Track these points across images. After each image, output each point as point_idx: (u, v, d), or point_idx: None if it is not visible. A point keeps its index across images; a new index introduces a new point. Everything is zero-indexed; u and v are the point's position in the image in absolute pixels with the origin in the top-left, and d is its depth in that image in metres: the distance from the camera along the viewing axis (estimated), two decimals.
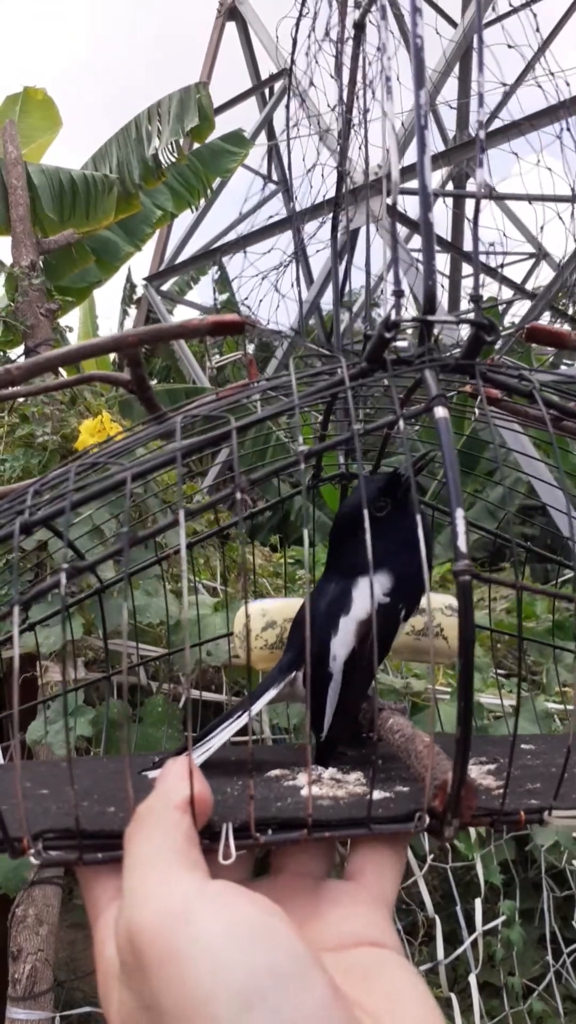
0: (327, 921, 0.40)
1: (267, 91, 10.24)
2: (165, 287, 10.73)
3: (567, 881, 2.59)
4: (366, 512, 0.43)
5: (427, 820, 0.41)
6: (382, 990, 0.36)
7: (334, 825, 0.42)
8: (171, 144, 5.33)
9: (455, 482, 0.39)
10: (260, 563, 3.33)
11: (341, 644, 0.55)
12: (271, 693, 0.56)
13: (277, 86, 9.94)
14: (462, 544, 0.38)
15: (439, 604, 0.69)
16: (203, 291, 12.29)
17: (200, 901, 0.33)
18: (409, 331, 0.51)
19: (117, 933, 0.35)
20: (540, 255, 9.11)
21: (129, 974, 0.33)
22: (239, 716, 0.53)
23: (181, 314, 11.50)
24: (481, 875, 2.25)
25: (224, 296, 11.75)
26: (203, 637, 1.56)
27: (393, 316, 0.49)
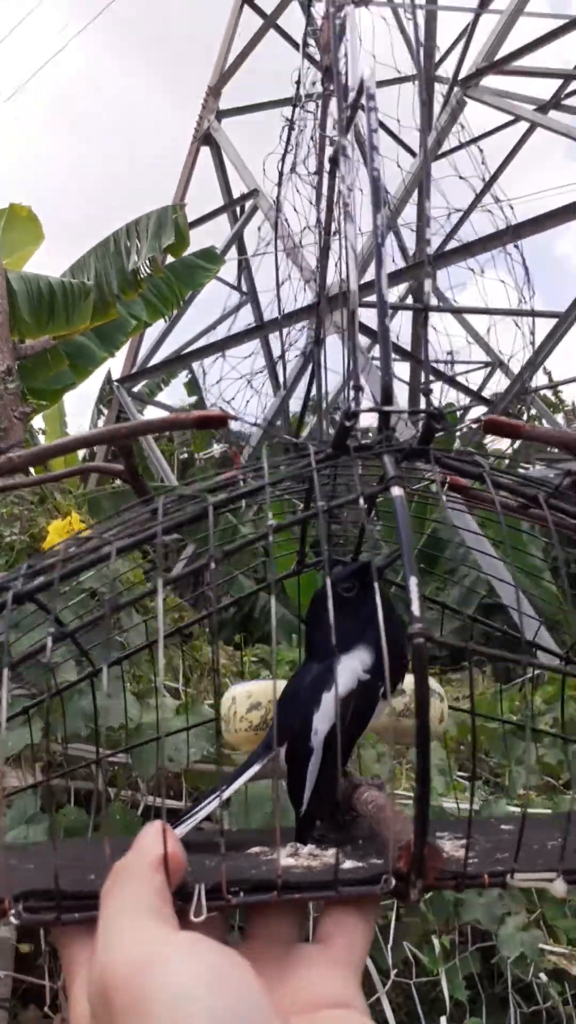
0: (297, 983, 0.42)
1: (238, 209, 10.84)
2: (136, 388, 10.99)
3: (534, 995, 2.51)
4: (330, 592, 0.47)
5: (393, 882, 0.43)
6: None
7: (303, 887, 0.44)
8: (147, 260, 5.61)
9: (409, 552, 0.44)
10: (224, 662, 3.32)
11: (322, 719, 0.55)
12: (254, 769, 0.57)
13: (248, 205, 10.54)
14: (416, 609, 0.41)
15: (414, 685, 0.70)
16: (172, 393, 12.52)
17: (168, 949, 0.35)
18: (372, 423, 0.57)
19: (89, 982, 0.37)
20: (495, 364, 9.55)
21: (99, 1021, 0.35)
22: (222, 791, 0.54)
23: (150, 414, 11.71)
24: (446, 990, 2.19)
25: (193, 398, 12.03)
26: (165, 741, 1.54)
27: (353, 407, 0.55)
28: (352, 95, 0.69)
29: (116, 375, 10.66)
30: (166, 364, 10.97)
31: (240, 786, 0.57)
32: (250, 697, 0.71)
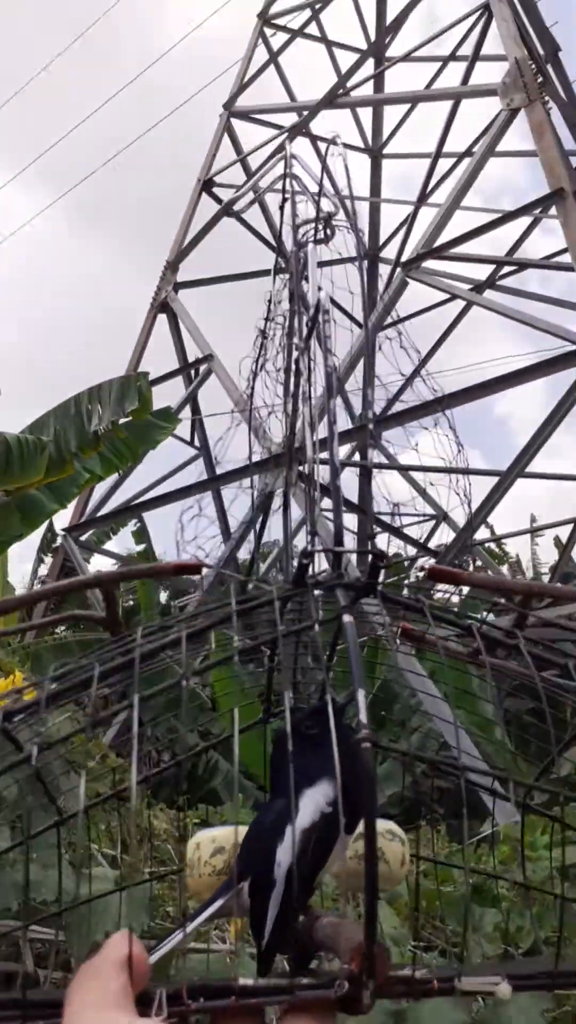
0: None
1: (192, 372, 11.39)
2: (83, 537, 11.03)
3: None
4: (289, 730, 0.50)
5: (346, 986, 0.44)
6: None
7: (260, 992, 0.45)
8: (109, 423, 5.82)
9: (358, 670, 0.49)
10: (164, 827, 3.14)
11: (286, 852, 0.56)
12: (217, 903, 0.57)
13: (202, 368, 11.09)
14: (363, 718, 0.46)
15: (379, 829, 0.69)
16: (119, 542, 12.60)
17: None
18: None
19: None
20: (439, 517, 9.87)
21: None
22: (187, 925, 0.54)
23: (96, 563, 11.68)
24: None
25: (141, 546, 12.10)
26: (101, 917, 1.45)
27: (309, 548, 0.62)
28: (312, 311, 0.84)
29: (62, 523, 10.72)
30: (117, 514, 11.09)
31: (204, 919, 0.57)
32: (214, 842, 0.70)
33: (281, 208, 1.01)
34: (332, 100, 11.54)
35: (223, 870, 0.68)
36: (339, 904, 0.53)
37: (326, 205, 0.98)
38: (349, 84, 12.23)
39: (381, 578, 0.63)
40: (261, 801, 0.66)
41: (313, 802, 0.58)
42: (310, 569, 0.65)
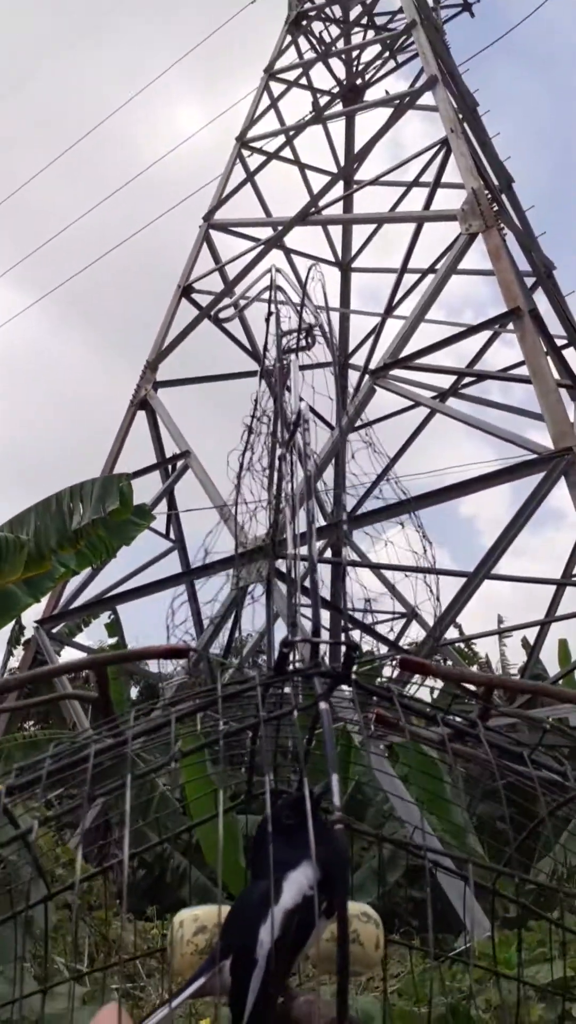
0: None
1: (169, 467, 11.60)
2: (55, 629, 10.93)
3: None
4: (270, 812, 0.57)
5: None
6: None
7: None
8: (90, 521, 5.89)
9: (333, 755, 0.55)
10: (131, 939, 3.09)
11: (268, 931, 0.58)
12: (199, 981, 0.59)
13: (180, 464, 11.31)
14: (336, 800, 0.51)
15: (354, 911, 0.70)
16: (91, 634, 12.43)
17: None
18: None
19: None
20: (410, 615, 9.97)
21: None
22: (171, 1001, 0.57)
23: (68, 655, 11.51)
24: None
25: (114, 639, 11.97)
26: None
27: (289, 638, 0.69)
28: (293, 419, 0.96)
29: (31, 615, 10.61)
30: (90, 606, 11.03)
31: (186, 998, 0.59)
32: (196, 921, 0.71)
33: (267, 320, 1.15)
34: (304, 217, 12.26)
35: (205, 949, 0.68)
36: (314, 984, 0.57)
37: (307, 318, 1.10)
38: (320, 203, 13.02)
39: (354, 669, 0.69)
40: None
41: (296, 884, 0.60)
42: (290, 658, 0.71)
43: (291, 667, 0.71)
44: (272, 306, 1.08)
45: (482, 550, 8.11)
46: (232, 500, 0.99)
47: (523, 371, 8.70)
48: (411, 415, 12.33)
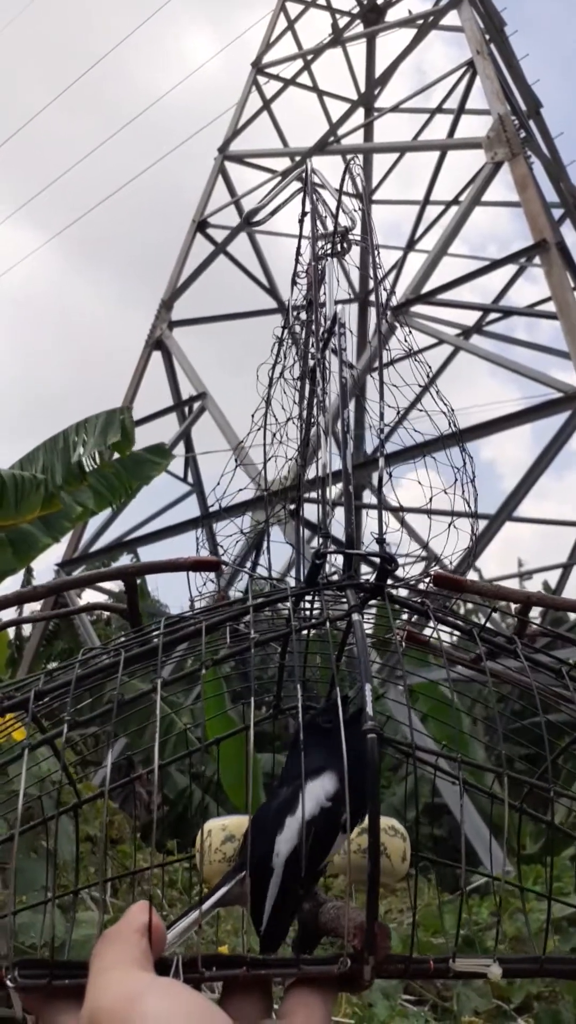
0: None
1: (186, 409, 11.49)
2: (76, 572, 11.02)
3: None
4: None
5: (348, 963, 0.47)
6: None
7: (269, 964, 0.49)
8: (94, 454, 5.84)
9: (366, 666, 0.53)
10: (156, 871, 3.11)
11: (284, 842, 0.58)
12: (222, 890, 0.59)
13: (196, 406, 11.21)
14: (370, 711, 0.50)
15: (382, 825, 0.69)
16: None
17: (150, 986, 0.42)
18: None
19: (81, 1023, 0.41)
20: (431, 559, 9.93)
21: None
22: (192, 911, 0.56)
23: (88, 598, 11.64)
24: None
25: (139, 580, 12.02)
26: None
27: (321, 550, 0.66)
28: (328, 322, 0.88)
29: (49, 558, 10.70)
30: (110, 549, 11.09)
31: (212, 905, 0.59)
32: (224, 830, 0.72)
33: (300, 221, 1.06)
34: (323, 147, 11.83)
35: (232, 857, 0.69)
36: (342, 892, 0.56)
37: (343, 220, 1.03)
38: (340, 132, 12.57)
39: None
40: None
41: (313, 796, 0.59)
42: (322, 571, 0.69)
43: (323, 579, 0.67)
44: (307, 202, 0.98)
45: (502, 494, 8.01)
46: (257, 427, 0.90)
47: (550, 307, 8.44)
48: (433, 354, 12.10)
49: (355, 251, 1.01)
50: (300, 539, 0.83)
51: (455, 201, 11.68)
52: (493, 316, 11.24)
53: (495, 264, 9.51)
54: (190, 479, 11.33)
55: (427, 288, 9.11)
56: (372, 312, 12.48)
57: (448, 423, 0.95)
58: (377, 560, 0.67)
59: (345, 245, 1.03)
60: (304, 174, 1.00)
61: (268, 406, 0.95)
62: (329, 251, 1.00)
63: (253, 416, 0.88)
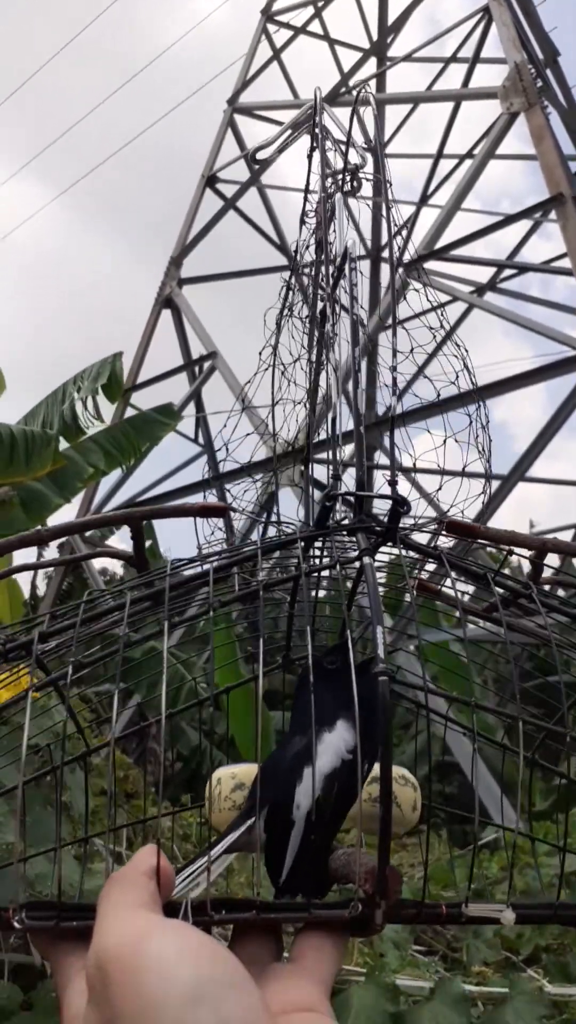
0: (272, 991, 0.45)
1: (196, 369, 11.39)
2: (88, 533, 11.04)
3: None
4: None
5: (360, 907, 0.47)
6: None
7: (279, 908, 0.49)
8: (88, 401, 5.81)
9: (377, 608, 0.51)
10: (168, 824, 3.17)
11: (306, 794, 0.56)
12: (231, 837, 0.57)
13: (206, 366, 11.11)
14: (381, 652, 0.49)
15: (393, 774, 0.69)
16: (123, 537, 12.63)
17: (157, 928, 0.41)
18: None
19: (87, 965, 0.41)
20: (441, 518, 9.88)
21: (95, 996, 0.39)
22: (208, 852, 0.55)
23: (99, 559, 11.69)
24: None
25: (147, 543, 12.10)
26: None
27: (332, 491, 0.65)
28: (339, 259, 0.85)
29: (63, 517, 10.73)
30: (121, 510, 11.11)
31: (223, 851, 0.58)
32: (234, 778, 0.72)
33: (309, 156, 1.02)
34: (335, 98, 11.54)
35: (242, 805, 0.68)
36: (353, 840, 0.55)
37: (353, 156, 0.99)
38: (351, 82, 12.23)
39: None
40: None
41: (333, 747, 0.58)
42: (333, 513, 0.67)
43: (333, 522, 0.66)
44: (316, 130, 0.94)
45: (514, 456, 7.93)
46: (265, 366, 0.86)
47: (566, 263, 8.26)
48: (447, 312, 11.89)
49: (365, 206, 0.97)
50: (309, 485, 0.81)
51: (469, 154, 11.39)
52: (507, 273, 11.03)
53: (510, 219, 9.30)
54: (200, 440, 11.28)
55: (440, 244, 8.93)
56: (385, 268, 12.27)
57: (468, 378, 0.91)
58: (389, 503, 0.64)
59: (356, 183, 0.99)
60: (314, 104, 0.96)
61: (275, 353, 0.91)
62: (339, 188, 0.96)
63: (260, 354, 0.85)
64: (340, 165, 0.99)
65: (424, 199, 12.90)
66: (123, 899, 0.43)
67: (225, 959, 0.40)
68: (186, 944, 0.39)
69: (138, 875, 0.45)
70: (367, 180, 1.02)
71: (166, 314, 11.83)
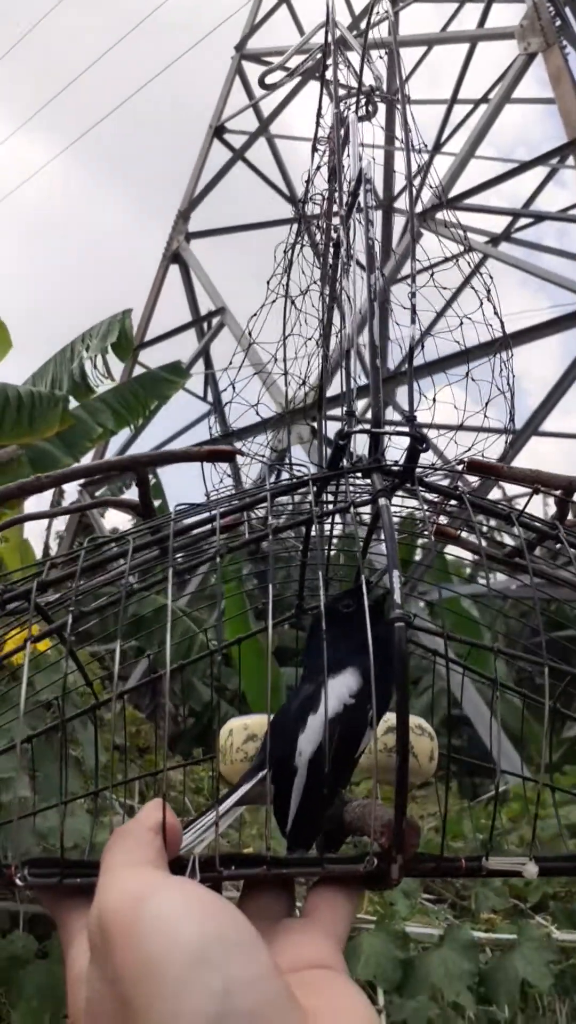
0: (283, 947, 0.44)
1: (204, 325, 11.26)
2: (99, 492, 11.07)
3: None
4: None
5: (375, 862, 0.45)
6: (327, 998, 0.40)
7: (291, 863, 0.47)
8: (98, 360, 5.75)
9: (393, 552, 0.49)
10: (180, 778, 3.21)
11: (308, 741, 0.56)
12: (241, 790, 0.56)
13: (215, 322, 10.98)
14: (397, 598, 0.46)
15: (409, 724, 0.69)
16: (134, 496, 12.62)
17: (160, 885, 0.39)
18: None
19: (89, 924, 0.39)
20: (457, 474, 9.83)
21: (96, 956, 0.38)
22: (217, 807, 0.53)
23: (110, 517, 11.71)
24: None
25: (157, 502, 12.11)
26: None
27: (345, 429, 0.62)
28: (353, 183, 0.80)
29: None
30: (126, 456, 11.10)
31: (233, 804, 0.56)
32: (246, 729, 0.71)
33: (322, 77, 0.97)
34: (346, 42, 11.16)
35: (254, 756, 0.67)
36: (368, 792, 0.53)
37: (368, 78, 0.93)
38: (363, 25, 11.84)
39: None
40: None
41: (335, 694, 0.57)
42: (346, 453, 0.64)
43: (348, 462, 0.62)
44: (328, 54, 0.89)
45: (528, 411, 7.83)
46: (273, 299, 0.82)
47: None
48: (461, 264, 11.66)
49: (380, 131, 0.92)
50: (323, 425, 0.78)
51: (484, 99, 11.05)
52: (522, 223, 10.77)
53: (525, 165, 9.07)
54: (210, 398, 11.20)
55: (454, 193, 8.72)
56: (397, 219, 12.01)
57: (497, 323, 0.87)
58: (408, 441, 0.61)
59: (371, 107, 0.94)
60: (327, 20, 0.90)
61: (287, 291, 0.87)
62: (354, 110, 0.91)
63: (268, 282, 0.81)
64: (353, 86, 0.94)
65: (438, 146, 12.57)
66: (127, 856, 0.42)
67: (232, 917, 0.38)
68: (190, 902, 0.37)
69: (143, 830, 0.43)
70: (384, 98, 0.97)
71: (174, 269, 11.66)
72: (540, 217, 10.75)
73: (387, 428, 0.61)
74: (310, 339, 0.82)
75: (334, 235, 0.80)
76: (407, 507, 0.64)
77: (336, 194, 0.80)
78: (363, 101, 0.95)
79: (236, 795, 0.57)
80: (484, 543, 0.68)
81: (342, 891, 0.48)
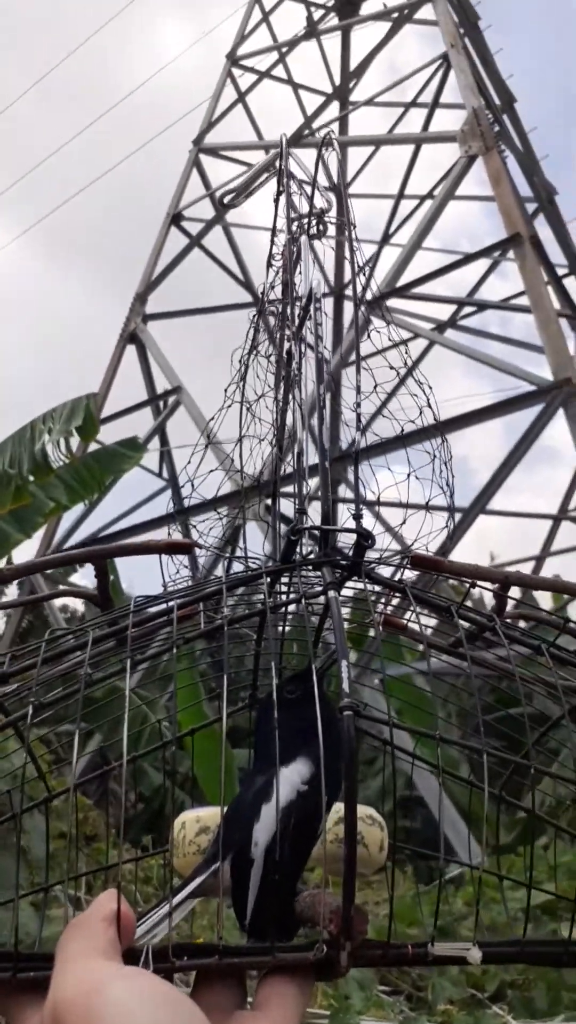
0: None
1: (161, 404, 11.40)
2: (49, 571, 10.90)
3: None
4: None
5: (324, 949, 0.46)
6: None
7: (242, 951, 0.47)
8: (61, 442, 5.76)
9: (342, 643, 0.51)
10: (129, 867, 3.09)
11: (263, 830, 0.56)
12: (195, 883, 0.56)
13: (171, 400, 11.12)
14: (346, 687, 0.48)
15: (359, 814, 0.68)
16: (86, 575, 12.48)
17: (115, 977, 0.40)
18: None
19: (44, 1016, 0.40)
20: (406, 551, 9.94)
21: None
22: (171, 899, 0.53)
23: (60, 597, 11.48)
24: None
25: (111, 577, 11.96)
26: None
27: (297, 526, 0.64)
28: (304, 301, 0.86)
29: (23, 556, 10.57)
30: (84, 546, 11.00)
31: (186, 896, 0.56)
32: (199, 822, 0.71)
33: (276, 199, 1.03)
34: (299, 140, 11.79)
35: (207, 849, 0.67)
36: (318, 882, 0.53)
37: (319, 200, 1.00)
38: (315, 125, 12.52)
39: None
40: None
41: (288, 781, 0.57)
42: (298, 548, 0.67)
43: (299, 557, 0.66)
44: (282, 174, 0.96)
45: (475, 490, 8.03)
46: (229, 403, 0.87)
47: (524, 301, 8.49)
48: (408, 349, 12.08)
49: (329, 247, 0.99)
50: (276, 521, 0.81)
51: (429, 195, 11.69)
52: (467, 311, 11.28)
53: (469, 257, 9.55)
54: (165, 474, 11.25)
55: (401, 282, 9.12)
56: (348, 305, 12.45)
57: (432, 413, 0.92)
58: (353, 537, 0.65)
59: (321, 227, 1.01)
60: (280, 150, 0.98)
61: (243, 392, 0.92)
62: (305, 231, 0.98)
63: (226, 390, 0.86)
64: (305, 209, 1.01)
65: (386, 238, 13.19)
66: (81, 947, 0.42)
67: (186, 1008, 0.39)
68: (145, 993, 0.39)
69: (97, 921, 0.44)
70: (332, 224, 1.04)
71: (131, 350, 11.85)
72: (483, 306, 11.28)
73: (335, 526, 0.65)
74: (264, 439, 0.87)
75: (287, 345, 0.86)
76: (355, 596, 0.68)
77: (288, 309, 0.86)
78: (314, 223, 1.02)
79: (189, 887, 0.57)
80: (428, 631, 0.72)
81: (293, 982, 0.48)
